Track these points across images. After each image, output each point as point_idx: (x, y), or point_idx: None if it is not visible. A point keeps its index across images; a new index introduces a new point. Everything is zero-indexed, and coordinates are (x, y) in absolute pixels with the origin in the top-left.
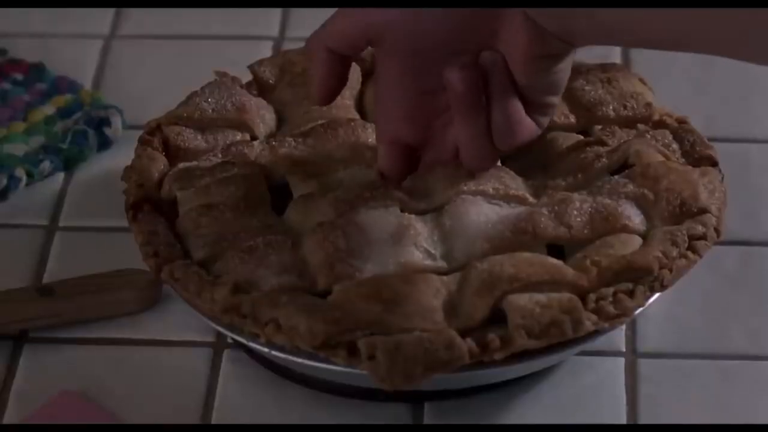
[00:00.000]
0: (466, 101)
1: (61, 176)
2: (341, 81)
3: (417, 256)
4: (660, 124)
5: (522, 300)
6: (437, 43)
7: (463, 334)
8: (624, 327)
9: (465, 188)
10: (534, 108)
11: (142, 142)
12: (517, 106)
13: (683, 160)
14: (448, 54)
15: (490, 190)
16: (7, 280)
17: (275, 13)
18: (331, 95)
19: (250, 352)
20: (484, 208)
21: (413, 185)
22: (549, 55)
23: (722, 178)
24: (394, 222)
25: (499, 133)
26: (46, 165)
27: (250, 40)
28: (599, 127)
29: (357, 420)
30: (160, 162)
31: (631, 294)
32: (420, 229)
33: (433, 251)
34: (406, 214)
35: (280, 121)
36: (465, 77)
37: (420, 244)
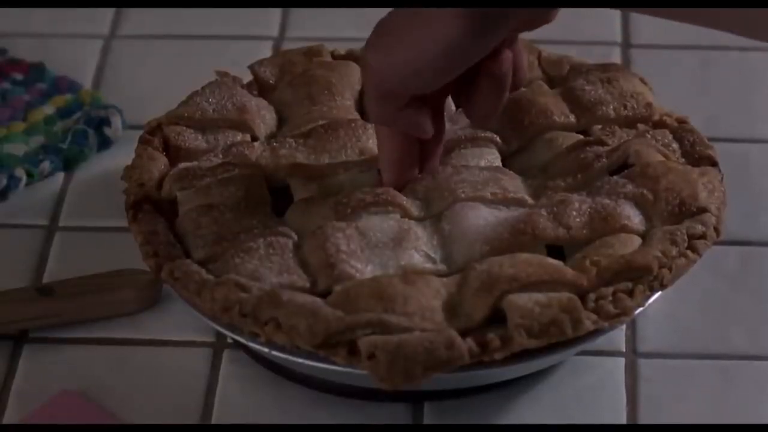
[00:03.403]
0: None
1: (61, 176)
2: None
3: (417, 260)
4: (660, 124)
5: (521, 300)
6: None
7: (463, 334)
8: (624, 327)
9: (463, 195)
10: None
11: (143, 142)
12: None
13: (683, 160)
14: None
15: (488, 195)
16: (7, 280)
17: (275, 13)
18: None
19: (250, 352)
20: (483, 212)
21: (412, 192)
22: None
23: (722, 177)
24: (395, 226)
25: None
26: (46, 165)
27: (250, 40)
28: (599, 126)
29: (357, 420)
30: (161, 162)
31: (630, 293)
32: (420, 234)
33: (433, 255)
34: (407, 219)
35: (281, 121)
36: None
37: (420, 248)
